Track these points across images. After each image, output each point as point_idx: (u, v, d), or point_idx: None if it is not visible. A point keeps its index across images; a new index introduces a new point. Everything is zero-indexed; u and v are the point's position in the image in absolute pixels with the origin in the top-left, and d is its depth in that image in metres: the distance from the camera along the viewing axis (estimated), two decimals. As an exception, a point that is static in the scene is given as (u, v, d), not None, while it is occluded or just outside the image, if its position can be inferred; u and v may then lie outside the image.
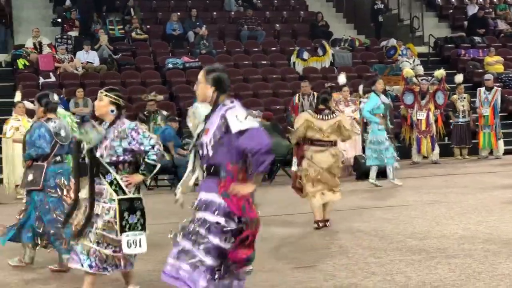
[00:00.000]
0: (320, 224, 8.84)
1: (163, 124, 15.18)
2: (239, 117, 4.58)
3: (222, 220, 4.64)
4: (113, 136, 5.73)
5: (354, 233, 8.47)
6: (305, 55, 20.74)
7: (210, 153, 4.70)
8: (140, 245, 5.72)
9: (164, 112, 16.05)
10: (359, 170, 14.16)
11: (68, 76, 18.87)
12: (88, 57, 19.39)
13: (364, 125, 15.56)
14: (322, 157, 8.79)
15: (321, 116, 8.84)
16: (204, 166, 4.77)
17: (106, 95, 5.84)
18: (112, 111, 5.80)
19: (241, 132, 4.55)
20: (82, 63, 19.17)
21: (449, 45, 23.03)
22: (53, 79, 18.38)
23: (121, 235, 5.67)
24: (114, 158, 5.73)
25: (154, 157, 5.75)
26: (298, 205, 10.10)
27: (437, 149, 16.39)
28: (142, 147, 5.74)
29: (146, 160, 5.77)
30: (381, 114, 12.50)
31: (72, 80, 18.64)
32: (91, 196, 5.68)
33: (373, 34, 23.85)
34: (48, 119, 7.05)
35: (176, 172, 13.39)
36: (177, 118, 15.40)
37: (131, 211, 5.73)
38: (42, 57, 18.98)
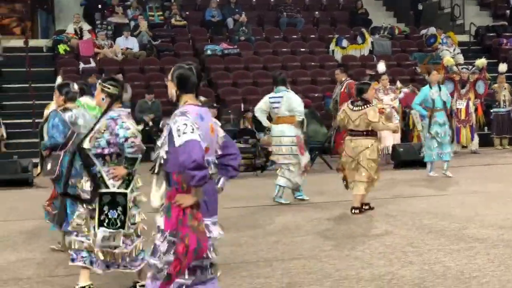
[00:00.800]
0: (353, 211, 8.98)
1: (201, 111, 15.20)
2: (179, 130, 4.36)
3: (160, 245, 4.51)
4: (99, 127, 5.66)
5: (391, 222, 8.44)
6: (344, 43, 20.64)
7: (165, 160, 4.55)
8: (114, 240, 5.63)
9: (202, 98, 16.02)
10: (396, 159, 14.10)
11: (107, 61, 19.03)
12: (127, 43, 19.53)
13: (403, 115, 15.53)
14: (352, 146, 8.97)
15: (353, 106, 9.00)
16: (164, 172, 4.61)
17: (99, 84, 5.81)
18: (103, 99, 5.76)
19: (179, 146, 4.35)
20: (121, 49, 19.33)
21: (491, 34, 22.71)
22: (93, 64, 18.57)
23: (98, 229, 5.59)
24: (99, 151, 5.65)
25: (130, 149, 5.60)
26: (335, 192, 10.09)
27: (476, 139, 16.23)
28: (117, 139, 5.61)
29: (125, 154, 5.64)
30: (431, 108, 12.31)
31: (112, 66, 18.79)
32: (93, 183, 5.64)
33: (412, 22, 23.63)
34: (65, 109, 7.09)
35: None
36: (215, 105, 15.43)
37: (112, 206, 5.64)
38: (83, 42, 19.15)
